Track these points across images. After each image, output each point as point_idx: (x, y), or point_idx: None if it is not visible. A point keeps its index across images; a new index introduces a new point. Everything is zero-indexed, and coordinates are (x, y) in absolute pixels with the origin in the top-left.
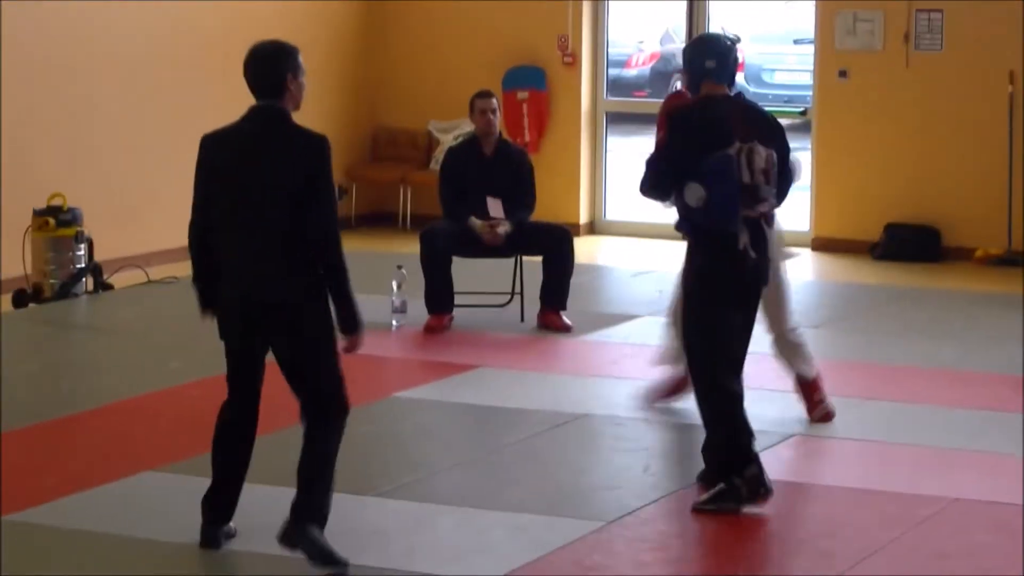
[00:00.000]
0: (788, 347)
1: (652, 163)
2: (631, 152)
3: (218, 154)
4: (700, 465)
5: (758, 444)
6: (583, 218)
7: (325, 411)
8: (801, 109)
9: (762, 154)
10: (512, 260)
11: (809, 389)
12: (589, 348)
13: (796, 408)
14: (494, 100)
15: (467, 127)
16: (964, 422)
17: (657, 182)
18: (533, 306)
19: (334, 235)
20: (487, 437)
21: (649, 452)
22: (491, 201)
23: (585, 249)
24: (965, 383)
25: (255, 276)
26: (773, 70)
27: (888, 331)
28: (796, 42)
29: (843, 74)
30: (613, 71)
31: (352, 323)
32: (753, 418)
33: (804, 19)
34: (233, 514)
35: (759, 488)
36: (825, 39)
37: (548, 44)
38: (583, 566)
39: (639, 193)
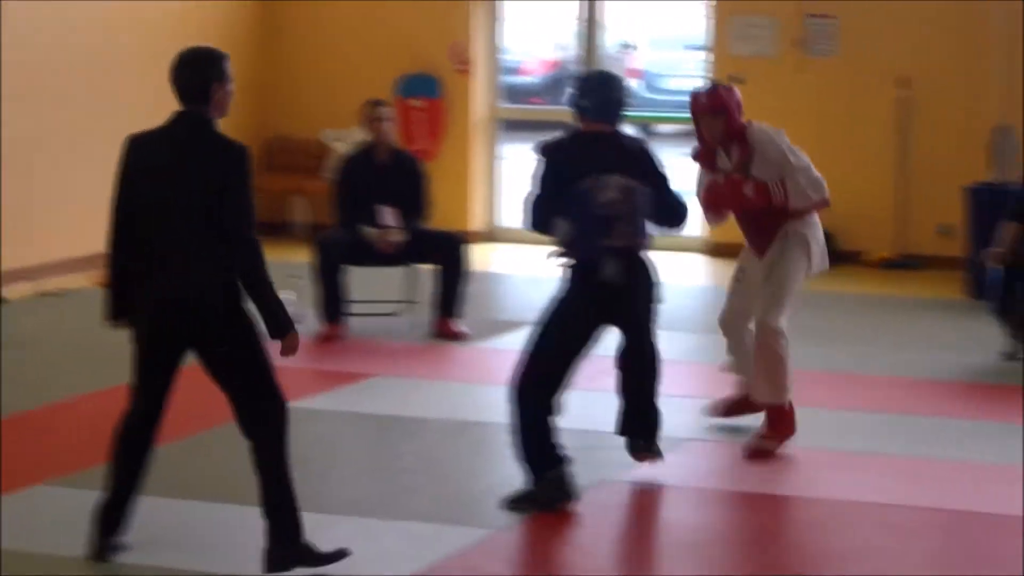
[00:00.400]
0: (762, 352)
1: (528, 199)
2: (527, 159)
3: (141, 156)
4: (591, 471)
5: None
6: (478, 225)
7: (263, 413)
8: None
9: (618, 185)
10: (406, 268)
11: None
12: (484, 355)
13: (688, 412)
14: (388, 108)
15: (361, 136)
16: (860, 425)
17: (535, 217)
18: (427, 314)
19: (254, 243)
20: (383, 446)
21: None
22: (385, 210)
23: (480, 257)
24: (860, 386)
25: (176, 279)
26: (668, 76)
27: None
28: (688, 48)
29: (737, 80)
30: (508, 78)
31: (285, 326)
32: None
33: (698, 25)
34: (126, 526)
35: (561, 492)
36: (719, 45)
37: (442, 52)
38: (475, 573)
39: (530, 228)
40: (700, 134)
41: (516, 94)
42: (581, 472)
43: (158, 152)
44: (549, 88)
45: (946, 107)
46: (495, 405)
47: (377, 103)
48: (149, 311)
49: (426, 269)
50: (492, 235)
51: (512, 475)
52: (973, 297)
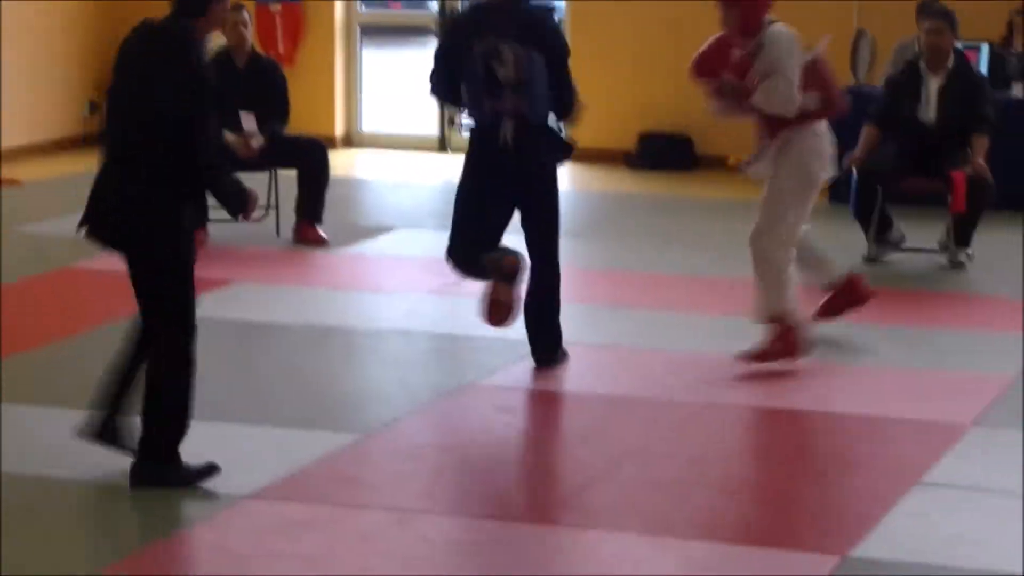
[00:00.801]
0: (758, 267)
1: (432, 69)
2: (388, 64)
3: (123, 49)
4: (454, 375)
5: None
6: (339, 130)
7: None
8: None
9: (513, 53)
10: (267, 174)
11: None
12: (346, 261)
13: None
14: (245, 13)
15: (219, 40)
16: (719, 329)
17: (434, 86)
18: (289, 220)
19: (207, 145)
20: (244, 353)
21: (406, 363)
22: (244, 115)
23: (341, 162)
24: (720, 290)
25: (112, 185)
26: None
27: (644, 239)
28: None
29: None
30: None
31: (239, 200)
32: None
33: None
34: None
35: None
36: None
37: None
38: (341, 478)
39: (433, 96)
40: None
41: None
42: (444, 376)
43: (126, 50)
44: None
45: (811, 11)
46: (358, 311)
47: (234, 7)
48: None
49: (287, 175)
50: (353, 140)
51: (373, 379)
52: (832, 200)
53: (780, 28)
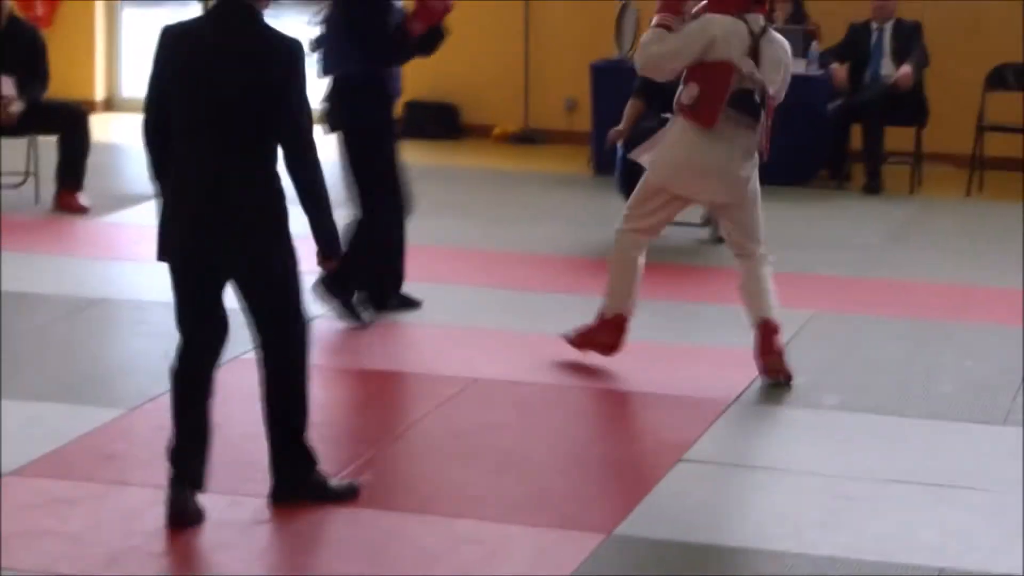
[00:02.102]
0: (755, 277)
1: None
2: (150, 25)
3: (180, 51)
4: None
5: None
6: (99, 95)
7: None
8: None
9: None
10: (26, 140)
11: (769, 333)
12: (108, 230)
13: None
14: None
15: None
16: (487, 301)
17: None
18: (49, 187)
19: (316, 154)
20: (2, 324)
21: (169, 337)
22: (3, 79)
23: (102, 127)
24: (488, 262)
25: (215, 188)
26: None
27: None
28: None
29: None
30: None
31: (334, 245)
32: None
33: None
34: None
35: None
36: None
37: None
38: (104, 454)
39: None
40: None
41: None
42: None
43: (200, 46)
44: None
45: None
46: (118, 281)
47: None
48: (184, 227)
49: (47, 140)
50: (115, 104)
51: (135, 352)
52: (599, 173)
53: (712, 16)
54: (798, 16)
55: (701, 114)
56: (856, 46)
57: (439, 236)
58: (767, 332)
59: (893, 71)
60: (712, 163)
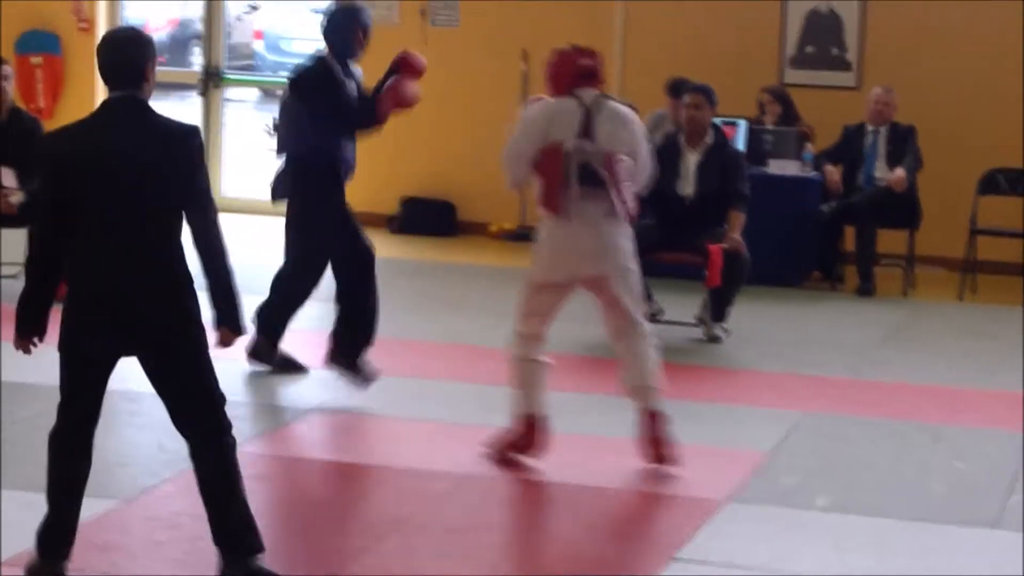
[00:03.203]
0: (636, 356)
1: None
2: None
3: (71, 153)
4: None
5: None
6: None
7: (205, 431)
8: None
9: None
10: (24, 230)
11: (653, 424)
12: None
13: (316, 382)
14: (6, 67)
15: None
16: (480, 397)
17: None
18: None
19: (218, 228)
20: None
21: (163, 428)
22: (4, 170)
23: None
24: (483, 358)
25: (125, 287)
26: (291, 39)
27: (406, 305)
28: (315, 12)
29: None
30: None
31: (236, 322)
32: (271, 394)
33: None
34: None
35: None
36: None
37: (63, 8)
38: (96, 545)
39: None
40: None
41: None
42: None
43: (97, 143)
44: (172, 47)
45: None
46: (116, 372)
47: None
48: (90, 318)
49: None
50: None
51: (129, 443)
52: None
53: (541, 102)
54: (789, 118)
55: (548, 203)
56: (850, 148)
57: (434, 332)
58: (650, 420)
59: (887, 174)
60: (575, 242)
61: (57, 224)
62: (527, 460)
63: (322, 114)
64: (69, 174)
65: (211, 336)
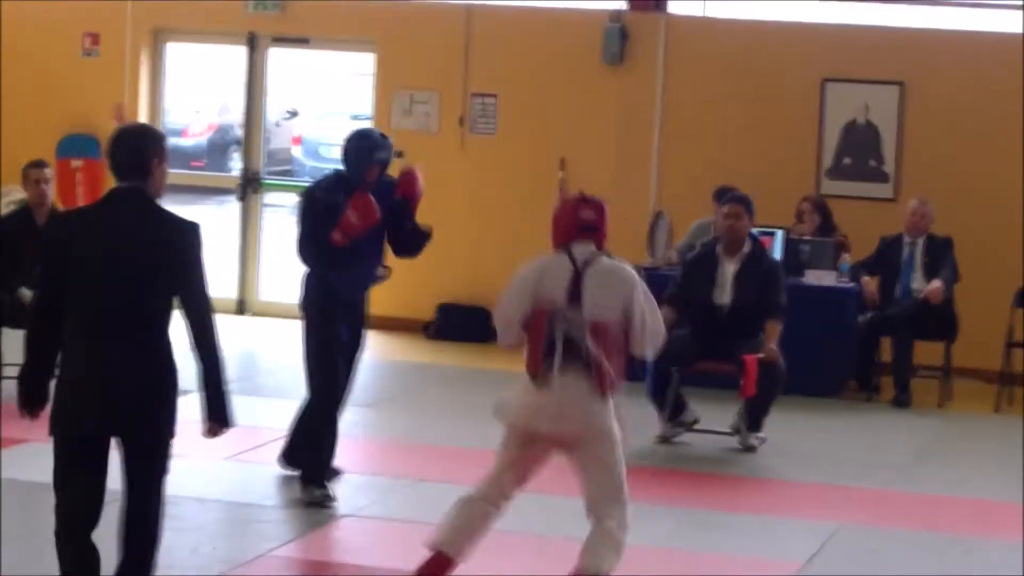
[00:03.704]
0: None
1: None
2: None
3: (77, 234)
4: (247, 546)
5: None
6: None
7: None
8: None
9: None
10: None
11: None
12: None
13: (352, 486)
14: (47, 170)
15: (19, 195)
16: (515, 505)
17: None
18: None
19: (212, 323)
20: (31, 514)
21: (199, 532)
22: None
23: None
24: None
25: (118, 364)
26: (331, 145)
27: (441, 411)
28: (354, 118)
29: (399, 155)
30: (170, 140)
31: (223, 415)
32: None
33: (363, 97)
34: None
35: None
36: (382, 118)
37: (103, 112)
38: None
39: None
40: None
41: (179, 157)
42: (236, 546)
43: (100, 229)
44: (211, 152)
45: (602, 190)
46: None
47: (36, 164)
48: (84, 393)
49: None
50: None
51: (165, 547)
52: (629, 379)
53: (535, 260)
54: (827, 228)
55: (528, 364)
56: (887, 259)
57: (468, 439)
58: None
59: (924, 285)
60: (550, 401)
61: (54, 296)
62: None
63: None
64: (70, 248)
65: (198, 428)
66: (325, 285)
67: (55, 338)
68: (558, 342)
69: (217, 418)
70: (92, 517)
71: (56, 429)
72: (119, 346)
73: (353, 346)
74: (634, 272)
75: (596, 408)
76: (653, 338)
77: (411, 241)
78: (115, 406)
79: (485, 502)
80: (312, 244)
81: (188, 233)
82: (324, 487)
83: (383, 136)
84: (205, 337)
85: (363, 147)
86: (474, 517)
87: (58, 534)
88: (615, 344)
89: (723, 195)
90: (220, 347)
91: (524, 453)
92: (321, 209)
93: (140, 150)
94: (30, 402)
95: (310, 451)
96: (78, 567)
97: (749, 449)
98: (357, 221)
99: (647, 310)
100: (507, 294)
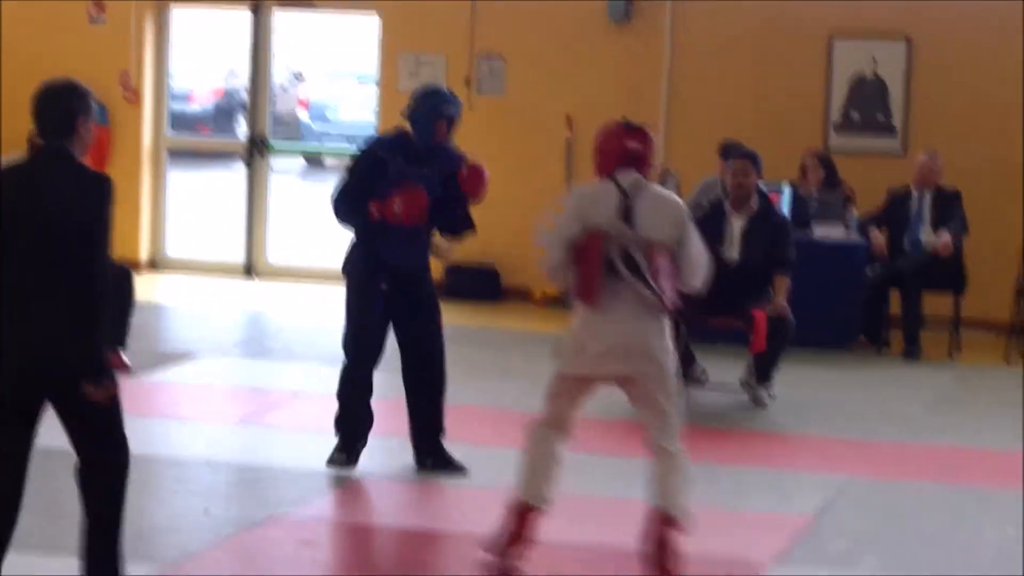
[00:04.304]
0: (664, 473)
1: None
2: (194, 188)
3: (10, 186)
4: (258, 507)
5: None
6: (144, 254)
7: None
8: None
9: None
10: None
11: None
12: (149, 388)
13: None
14: None
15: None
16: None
17: (345, 207)
18: None
19: (102, 272)
20: (44, 481)
21: (209, 494)
22: None
23: (146, 286)
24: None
25: (48, 328)
26: (337, 107)
27: (450, 370)
28: (360, 80)
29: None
30: (176, 106)
31: (99, 369)
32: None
33: (369, 59)
34: None
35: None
36: (388, 80)
37: (109, 79)
38: None
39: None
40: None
41: (185, 122)
42: (247, 508)
43: (29, 183)
44: (218, 117)
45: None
46: (161, 439)
47: None
48: (16, 359)
49: None
50: (159, 264)
51: (175, 509)
52: None
53: (576, 189)
54: (832, 181)
55: (581, 292)
56: (895, 213)
57: (478, 397)
58: (658, 521)
59: (932, 238)
60: (607, 337)
61: None
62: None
63: (342, 178)
64: (9, 204)
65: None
66: (369, 251)
67: None
68: (618, 263)
69: (90, 372)
70: (15, 477)
71: None
72: (46, 305)
73: (418, 326)
74: (681, 201)
75: (658, 343)
76: (701, 269)
77: (457, 225)
78: (44, 368)
79: (555, 445)
80: (348, 200)
81: (103, 188)
82: (343, 451)
83: (452, 94)
84: (94, 280)
85: (432, 104)
86: (547, 465)
87: None
88: (668, 271)
89: (729, 151)
90: (104, 295)
91: (581, 388)
92: (372, 164)
93: (66, 110)
94: None
95: (340, 414)
96: None
97: (758, 404)
98: (399, 210)
99: (697, 236)
100: (555, 222)
